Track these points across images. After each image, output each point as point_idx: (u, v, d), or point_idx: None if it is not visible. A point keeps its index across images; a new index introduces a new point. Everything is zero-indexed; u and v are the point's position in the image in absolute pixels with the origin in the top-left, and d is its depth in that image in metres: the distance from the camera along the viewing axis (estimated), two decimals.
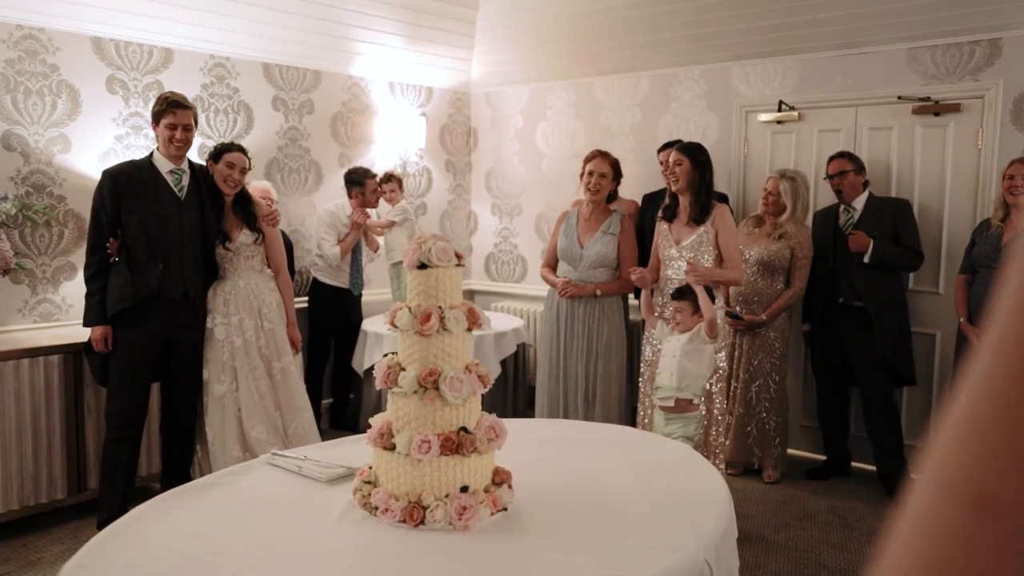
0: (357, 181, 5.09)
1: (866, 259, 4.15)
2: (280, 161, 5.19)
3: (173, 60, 4.56)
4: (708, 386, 3.63)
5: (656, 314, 3.88)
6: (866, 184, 4.31)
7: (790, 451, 4.64)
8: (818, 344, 4.49)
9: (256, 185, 4.65)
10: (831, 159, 4.34)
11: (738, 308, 4.36)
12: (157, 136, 3.64)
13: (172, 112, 3.57)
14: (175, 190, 3.64)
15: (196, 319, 3.79)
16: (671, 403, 3.42)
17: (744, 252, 4.32)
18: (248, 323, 3.89)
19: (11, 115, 3.95)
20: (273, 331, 3.98)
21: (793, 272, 4.34)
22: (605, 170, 4.17)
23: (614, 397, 4.20)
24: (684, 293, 3.53)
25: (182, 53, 4.59)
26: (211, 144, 4.72)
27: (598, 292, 4.19)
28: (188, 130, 3.64)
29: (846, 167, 4.25)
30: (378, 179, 5.23)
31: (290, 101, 5.21)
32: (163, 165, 3.63)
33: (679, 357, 3.41)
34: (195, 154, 4.67)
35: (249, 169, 3.98)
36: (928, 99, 4.32)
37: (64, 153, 4.15)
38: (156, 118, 3.59)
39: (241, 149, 3.94)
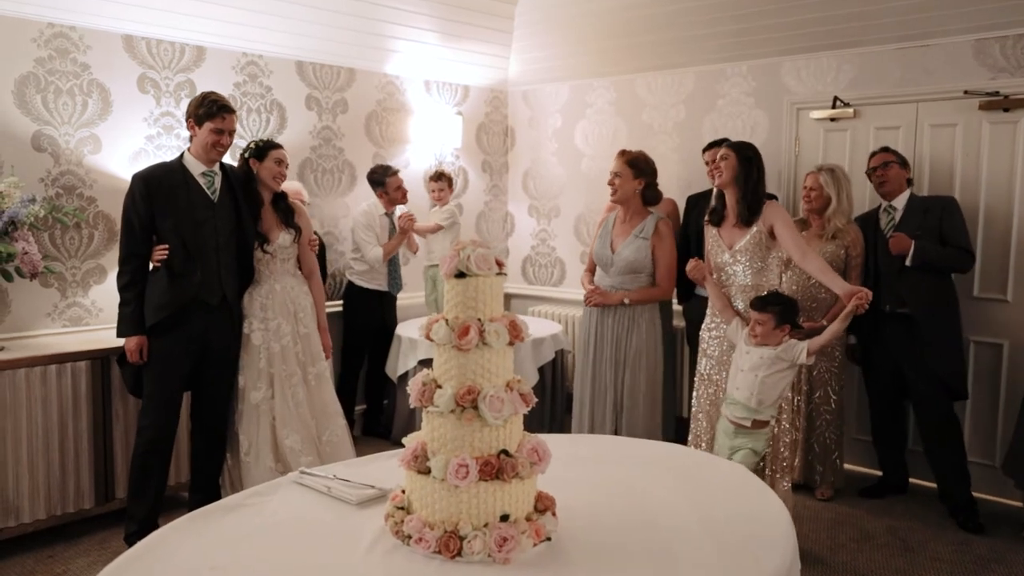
0: (378, 181, 4.98)
1: (908, 262, 3.88)
2: (313, 161, 5.08)
3: (205, 58, 4.46)
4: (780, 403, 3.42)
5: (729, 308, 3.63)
6: (909, 182, 4.07)
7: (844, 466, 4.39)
8: (867, 357, 4.24)
9: (287, 185, 4.53)
10: (872, 154, 4.14)
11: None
12: (194, 137, 3.49)
13: (221, 117, 3.44)
14: (208, 193, 3.52)
15: (231, 325, 3.67)
16: (747, 423, 3.23)
17: None
18: (285, 328, 3.78)
19: (41, 115, 3.88)
20: (309, 336, 3.87)
21: (849, 272, 4.11)
22: (619, 169, 3.96)
23: (641, 411, 3.98)
24: (768, 303, 3.28)
25: (214, 51, 4.50)
26: (243, 145, 4.64)
27: (626, 301, 3.97)
28: (232, 135, 3.53)
29: (889, 158, 4.03)
30: (398, 178, 5.03)
31: (324, 100, 5.09)
32: (195, 167, 3.51)
33: (762, 377, 3.20)
34: (227, 155, 4.59)
35: None
36: (997, 94, 4.05)
37: (95, 154, 4.07)
38: (200, 120, 3.44)
39: (282, 146, 3.87)
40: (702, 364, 3.73)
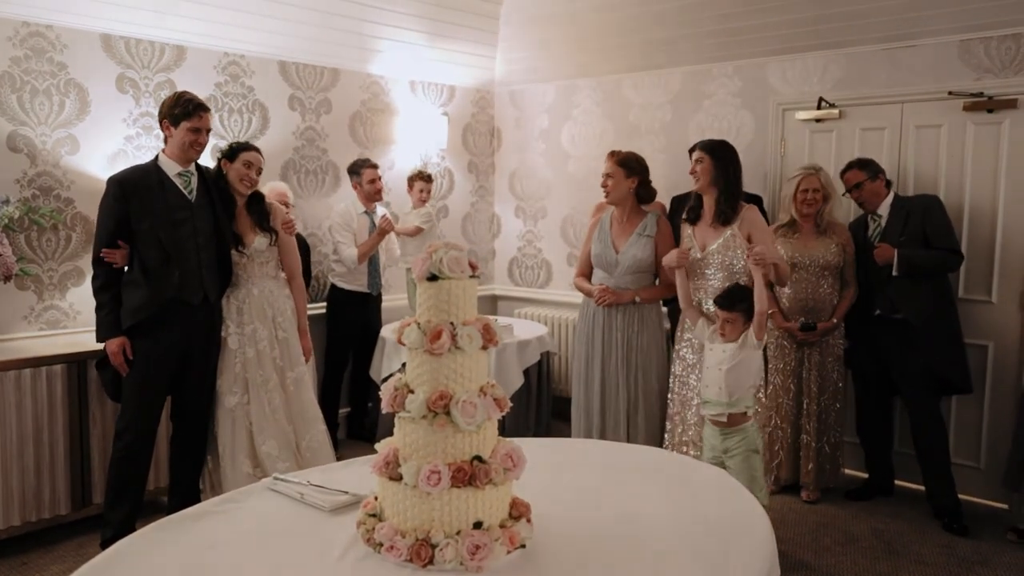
0: (354, 171, 4.93)
1: (894, 271, 3.87)
2: (296, 162, 5.03)
3: (186, 58, 4.41)
4: (757, 393, 3.39)
5: (695, 304, 3.64)
6: (889, 185, 4.04)
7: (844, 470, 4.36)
8: (855, 359, 4.23)
9: (272, 187, 4.50)
10: (843, 172, 4.11)
11: (802, 319, 4.12)
12: (170, 138, 3.44)
13: (199, 116, 3.41)
14: (185, 193, 3.48)
15: (213, 327, 3.62)
16: (724, 419, 3.20)
17: (803, 259, 4.10)
18: (262, 333, 3.72)
19: (17, 115, 3.82)
20: (287, 340, 3.82)
21: (847, 270, 4.13)
22: (610, 170, 3.95)
23: (656, 411, 3.96)
24: (735, 301, 3.26)
25: (195, 51, 4.44)
26: (225, 146, 4.59)
27: (637, 299, 3.94)
28: (208, 133, 3.49)
29: (859, 178, 4.01)
30: (375, 172, 4.94)
31: (307, 100, 5.05)
32: (170, 168, 3.46)
33: (726, 370, 3.18)
34: (208, 156, 4.54)
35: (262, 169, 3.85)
36: (981, 95, 4.04)
37: (72, 154, 4.01)
38: (176, 120, 3.39)
39: (257, 148, 3.80)
40: (676, 366, 3.75)
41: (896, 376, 4.02)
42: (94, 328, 3.45)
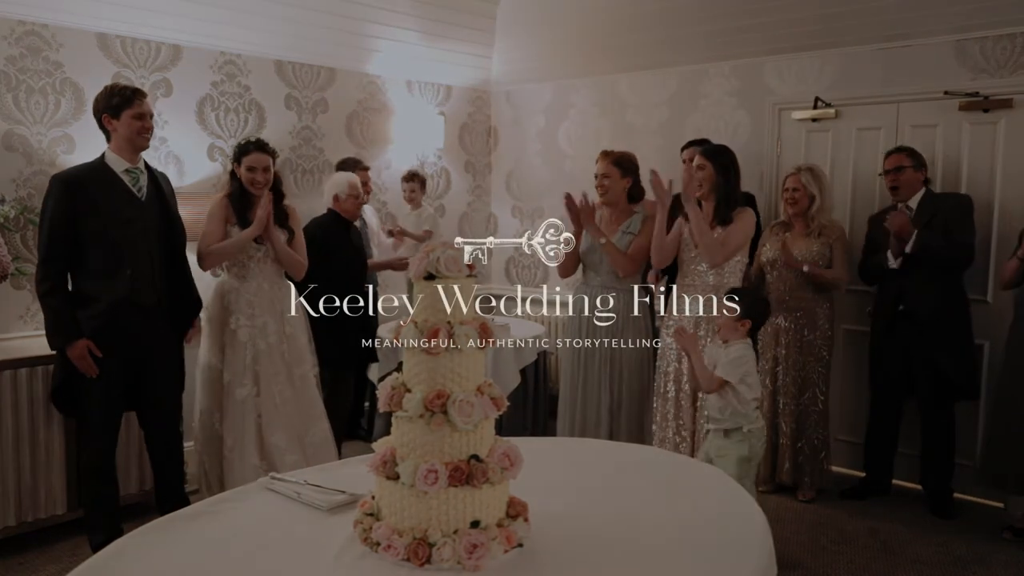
0: (344, 171, 4.90)
1: (908, 248, 3.86)
2: (293, 162, 5.03)
3: (182, 57, 4.40)
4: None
5: (684, 322, 3.70)
6: (926, 182, 4.03)
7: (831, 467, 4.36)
8: (877, 355, 4.21)
9: (340, 177, 4.30)
10: (888, 153, 4.08)
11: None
12: (114, 132, 3.25)
13: (139, 101, 3.26)
14: (134, 191, 3.31)
15: (170, 332, 3.49)
16: (720, 432, 3.24)
17: (782, 256, 4.13)
18: (272, 327, 3.73)
19: (12, 114, 3.81)
20: (295, 336, 3.82)
21: (834, 263, 4.12)
22: (606, 170, 4.00)
23: (644, 409, 3.99)
24: (728, 298, 3.31)
25: (191, 50, 4.44)
26: (222, 145, 4.60)
27: (602, 240, 3.93)
28: (152, 118, 3.34)
29: (904, 163, 3.98)
30: (366, 174, 4.91)
31: (303, 100, 5.04)
32: (118, 165, 3.28)
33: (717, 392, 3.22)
34: (204, 155, 4.55)
35: (276, 158, 3.81)
36: (977, 94, 4.05)
37: (68, 154, 4.00)
38: (117, 111, 3.21)
39: (261, 147, 3.72)
40: (661, 361, 3.84)
41: (918, 371, 4.00)
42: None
